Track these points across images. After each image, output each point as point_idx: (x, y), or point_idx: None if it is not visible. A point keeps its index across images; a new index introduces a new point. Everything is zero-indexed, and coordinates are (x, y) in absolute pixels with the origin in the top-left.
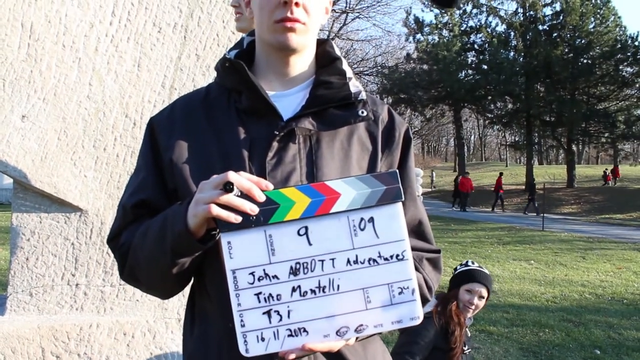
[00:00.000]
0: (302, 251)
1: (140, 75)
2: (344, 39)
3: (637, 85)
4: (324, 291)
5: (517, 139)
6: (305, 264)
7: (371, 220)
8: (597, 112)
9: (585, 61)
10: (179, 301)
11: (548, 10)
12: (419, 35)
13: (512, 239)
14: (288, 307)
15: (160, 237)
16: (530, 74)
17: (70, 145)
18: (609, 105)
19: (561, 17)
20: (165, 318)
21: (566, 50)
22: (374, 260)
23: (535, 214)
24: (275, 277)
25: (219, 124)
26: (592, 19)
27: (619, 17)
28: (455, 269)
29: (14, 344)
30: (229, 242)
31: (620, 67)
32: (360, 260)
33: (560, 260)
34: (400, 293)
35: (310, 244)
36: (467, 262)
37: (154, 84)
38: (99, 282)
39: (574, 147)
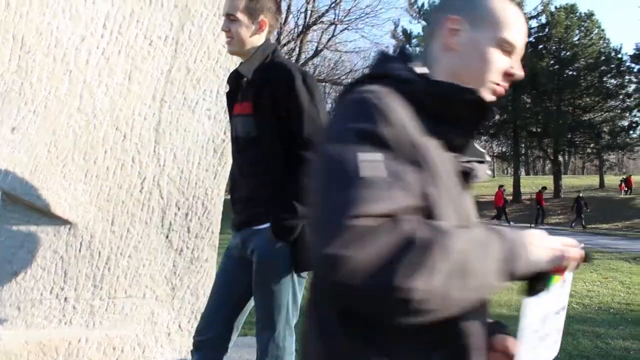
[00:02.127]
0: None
1: (130, 88)
2: (332, 50)
3: (621, 97)
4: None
5: (504, 150)
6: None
7: None
8: (583, 123)
9: (570, 73)
10: (169, 315)
11: (534, 23)
12: (407, 47)
13: None
14: None
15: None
16: (517, 86)
17: (60, 157)
18: (594, 116)
19: (547, 30)
20: (154, 332)
21: (552, 62)
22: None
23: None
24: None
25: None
26: (577, 31)
27: (603, 30)
28: None
29: (1, 359)
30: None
31: (605, 79)
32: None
33: None
34: None
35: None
36: None
37: (145, 96)
38: (87, 296)
39: (560, 158)
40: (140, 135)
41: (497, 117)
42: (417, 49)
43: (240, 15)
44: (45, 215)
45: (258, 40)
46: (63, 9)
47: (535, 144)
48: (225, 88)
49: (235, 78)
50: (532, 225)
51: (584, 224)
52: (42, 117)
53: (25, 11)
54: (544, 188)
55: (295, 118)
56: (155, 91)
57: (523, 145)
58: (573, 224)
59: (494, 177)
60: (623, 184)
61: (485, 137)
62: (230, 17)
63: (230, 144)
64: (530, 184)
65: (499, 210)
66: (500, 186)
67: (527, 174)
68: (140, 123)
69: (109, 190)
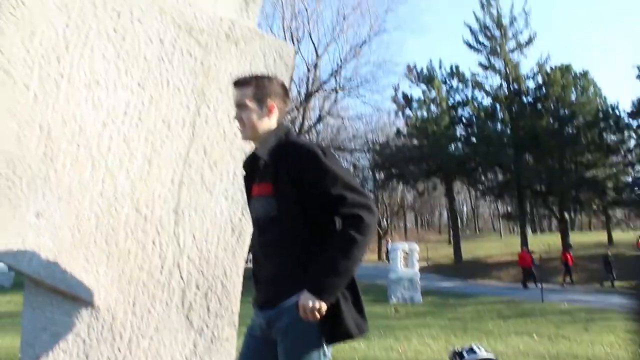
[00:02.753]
0: None
1: (150, 171)
2: (335, 116)
3: (622, 152)
4: None
5: (509, 210)
6: None
7: None
8: (587, 179)
9: (570, 131)
10: None
11: (531, 83)
12: (407, 111)
13: (513, 312)
14: None
15: None
16: (519, 145)
17: (83, 241)
18: (597, 172)
19: (544, 90)
20: None
21: (551, 120)
22: None
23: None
24: None
25: None
26: (574, 90)
27: (599, 88)
28: (461, 356)
29: None
30: None
31: (605, 135)
32: None
33: (562, 332)
34: None
35: None
36: (472, 347)
37: (164, 179)
38: None
39: (567, 215)
40: (161, 217)
41: (500, 176)
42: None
43: (249, 103)
44: (67, 298)
45: (269, 123)
46: (86, 98)
47: (540, 202)
48: (242, 172)
49: (250, 161)
50: (563, 284)
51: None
52: (65, 202)
53: (51, 102)
54: (570, 246)
55: (331, 188)
56: (174, 174)
57: (528, 204)
58: (603, 284)
59: (500, 237)
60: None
61: (490, 198)
62: (239, 105)
63: (247, 223)
64: (538, 242)
65: (528, 271)
66: (524, 247)
67: (534, 232)
68: (160, 205)
69: (130, 272)
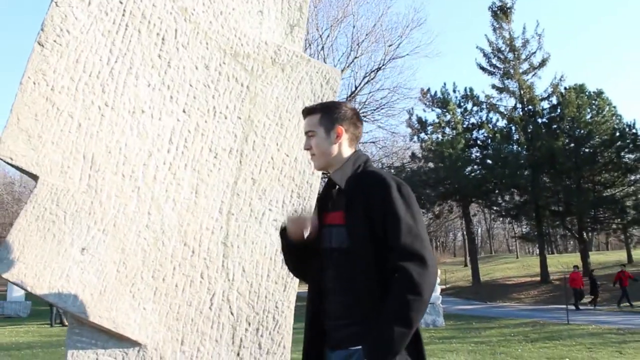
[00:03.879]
0: None
1: (197, 201)
2: None
3: None
4: None
5: (526, 230)
6: None
7: None
8: (605, 199)
9: (587, 150)
10: None
11: (545, 104)
12: (422, 135)
13: (539, 335)
14: None
15: None
16: (535, 166)
17: (129, 276)
18: (615, 191)
19: (559, 110)
20: None
21: (567, 140)
22: None
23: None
24: None
25: None
26: (589, 110)
27: (614, 107)
28: None
29: None
30: None
31: (622, 154)
32: None
33: (596, 356)
34: None
35: None
36: None
37: (212, 210)
38: None
39: (586, 235)
40: (209, 249)
41: (516, 198)
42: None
43: (316, 129)
44: (113, 337)
45: (340, 150)
46: (131, 126)
47: (558, 222)
48: (317, 193)
49: (325, 190)
50: (621, 306)
51: (626, 301)
52: (111, 236)
53: (95, 131)
54: (624, 265)
55: (391, 227)
56: (222, 204)
57: (545, 224)
58: (620, 305)
59: (517, 257)
60: None
61: (506, 219)
62: (308, 134)
63: None
64: (556, 263)
65: (579, 292)
66: (575, 267)
67: (551, 253)
68: (208, 237)
69: (178, 308)
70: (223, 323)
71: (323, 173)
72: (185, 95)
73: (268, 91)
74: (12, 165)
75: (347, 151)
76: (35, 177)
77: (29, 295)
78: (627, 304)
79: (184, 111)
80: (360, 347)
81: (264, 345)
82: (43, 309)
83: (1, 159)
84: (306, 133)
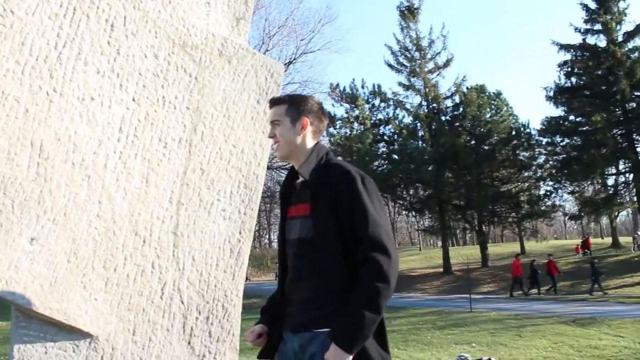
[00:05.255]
0: None
1: (148, 191)
2: None
3: (534, 168)
4: None
5: (430, 224)
6: None
7: None
8: (502, 194)
9: (486, 148)
10: None
11: (449, 102)
12: (331, 129)
13: (446, 322)
14: None
15: None
16: (439, 162)
17: (80, 267)
18: (511, 187)
19: (461, 109)
20: None
21: (468, 138)
22: None
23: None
24: None
25: None
26: (488, 109)
27: (511, 107)
28: None
29: None
30: None
31: (517, 152)
32: None
33: (499, 340)
34: None
35: None
36: (463, 356)
37: (162, 199)
38: None
39: (484, 228)
40: (159, 239)
41: (421, 192)
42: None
43: (282, 119)
44: (63, 329)
45: (304, 141)
46: (80, 114)
47: (460, 216)
48: (281, 187)
49: (287, 182)
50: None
51: (538, 290)
52: (61, 226)
53: (43, 117)
54: (550, 255)
55: (358, 219)
56: (172, 194)
57: (447, 218)
58: (592, 292)
59: (420, 250)
60: (579, 247)
61: (410, 213)
62: (274, 123)
63: (245, 244)
64: (457, 255)
65: (518, 280)
66: (517, 255)
67: (452, 245)
68: (158, 227)
69: (129, 298)
70: (174, 312)
71: (281, 167)
72: (135, 84)
73: (215, 83)
74: None
75: (310, 143)
76: None
77: None
78: (536, 290)
79: (133, 100)
80: (327, 330)
81: (214, 334)
82: None
83: None
84: (271, 122)
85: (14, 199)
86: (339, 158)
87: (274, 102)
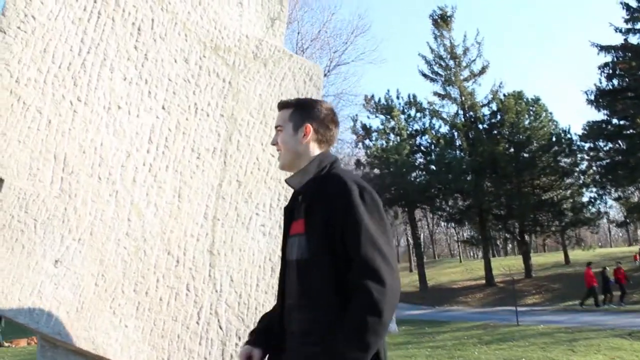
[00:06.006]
0: None
1: (181, 206)
2: None
3: (576, 174)
4: None
5: (470, 235)
6: None
7: None
8: (545, 202)
9: (526, 155)
10: None
11: (486, 110)
12: (367, 141)
13: (492, 337)
14: None
15: None
16: (478, 171)
17: (108, 291)
18: (553, 194)
19: (499, 116)
20: None
21: (507, 146)
22: None
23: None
24: None
25: None
26: (527, 116)
27: (551, 113)
28: None
29: None
30: None
31: (559, 158)
32: None
33: (551, 355)
34: None
35: None
36: None
37: (196, 215)
38: None
39: (527, 238)
40: (194, 258)
41: (460, 202)
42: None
43: (285, 124)
44: (91, 359)
45: (307, 150)
46: (107, 124)
47: (500, 226)
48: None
49: (293, 196)
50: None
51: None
52: (87, 246)
53: (67, 128)
54: (619, 262)
55: (350, 237)
56: (206, 208)
57: (488, 228)
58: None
59: (460, 261)
60: (639, 254)
61: (450, 224)
62: (277, 129)
63: None
64: (498, 266)
65: (593, 291)
66: (589, 264)
67: (493, 256)
68: (193, 245)
69: (163, 324)
70: (212, 339)
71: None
72: (165, 91)
73: (251, 87)
74: None
75: (314, 152)
76: None
77: None
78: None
79: (163, 108)
80: None
81: None
82: None
83: None
84: (276, 127)
85: (36, 217)
86: (361, 171)
87: (282, 106)
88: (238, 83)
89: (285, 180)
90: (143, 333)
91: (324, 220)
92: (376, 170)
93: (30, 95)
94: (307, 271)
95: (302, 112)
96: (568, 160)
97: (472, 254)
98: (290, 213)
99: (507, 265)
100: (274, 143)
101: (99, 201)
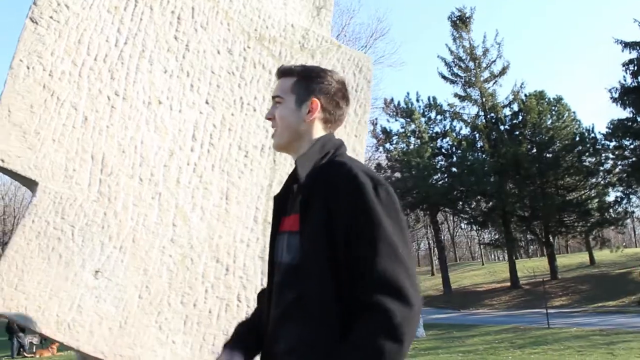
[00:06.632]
0: None
1: (229, 209)
2: None
3: (601, 174)
4: None
5: (491, 237)
6: None
7: None
8: (570, 202)
9: (549, 155)
10: None
11: (507, 111)
12: (388, 145)
13: (524, 340)
14: None
15: None
16: (500, 172)
17: (154, 303)
18: (578, 195)
19: (520, 117)
20: None
21: (530, 146)
22: None
23: None
24: None
25: None
26: (549, 115)
27: (573, 112)
28: None
29: None
30: None
31: (583, 158)
32: None
33: (589, 359)
34: None
35: None
36: None
37: (246, 218)
38: None
39: (551, 239)
40: (245, 266)
41: (483, 204)
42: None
43: (286, 96)
44: None
45: (311, 130)
46: (147, 120)
47: (525, 227)
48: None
49: (286, 185)
50: None
51: None
52: (130, 254)
53: (104, 126)
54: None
55: (363, 245)
56: (256, 211)
57: (513, 230)
58: None
59: (483, 264)
60: None
61: (474, 227)
62: (275, 100)
63: None
64: (522, 268)
65: None
66: None
67: (516, 258)
68: (243, 251)
69: (213, 339)
70: None
71: None
72: (208, 84)
73: None
74: (4, 170)
75: (317, 133)
76: (33, 184)
77: None
78: None
79: (207, 102)
80: None
81: None
82: (1, 339)
83: None
84: (273, 98)
85: (73, 223)
86: (382, 175)
87: (282, 73)
88: None
89: (295, 169)
90: (192, 349)
91: (325, 220)
92: (397, 174)
93: (65, 90)
94: (296, 277)
95: (308, 83)
96: (592, 159)
97: (493, 256)
98: (282, 204)
99: (530, 267)
100: (270, 117)
101: (140, 205)
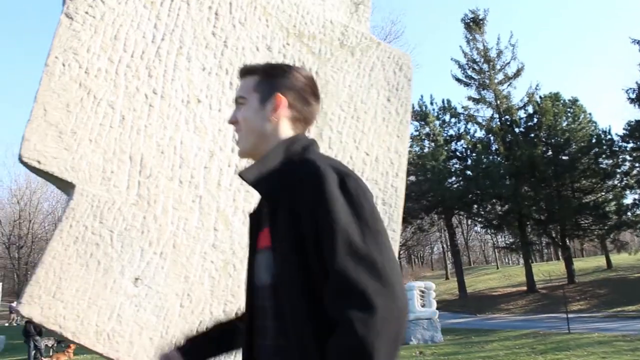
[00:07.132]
0: None
1: None
2: None
3: (618, 176)
4: None
5: (505, 240)
6: None
7: None
8: (586, 205)
9: (565, 158)
10: None
11: (522, 113)
12: None
13: (546, 346)
14: None
15: None
16: (516, 175)
17: (195, 312)
18: (595, 197)
19: (536, 119)
20: None
21: (545, 149)
22: None
23: None
24: None
25: None
26: (565, 117)
27: (589, 114)
28: None
29: None
30: None
31: (599, 160)
32: None
33: None
34: None
35: None
36: None
37: None
38: None
39: (568, 242)
40: None
41: (498, 208)
42: (414, 148)
43: (249, 96)
44: None
45: (277, 130)
46: (186, 119)
47: (541, 231)
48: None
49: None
50: None
51: None
52: (170, 261)
53: (142, 125)
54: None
55: (325, 244)
56: None
57: (529, 233)
58: None
59: (497, 268)
60: None
61: (489, 230)
62: (238, 101)
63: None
64: (537, 272)
65: None
66: None
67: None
68: None
69: None
70: None
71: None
72: None
73: (339, 78)
74: (39, 172)
75: (285, 134)
76: (69, 187)
77: (1, 329)
78: None
79: None
80: None
81: None
82: (17, 342)
83: (25, 163)
84: (236, 100)
85: (112, 228)
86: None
87: (244, 72)
88: (326, 73)
89: (239, 174)
90: (235, 359)
91: (293, 226)
92: (412, 177)
93: (102, 88)
94: (270, 297)
95: (272, 79)
96: (609, 161)
97: (507, 260)
98: (257, 220)
99: (546, 270)
100: (232, 121)
101: (181, 208)
